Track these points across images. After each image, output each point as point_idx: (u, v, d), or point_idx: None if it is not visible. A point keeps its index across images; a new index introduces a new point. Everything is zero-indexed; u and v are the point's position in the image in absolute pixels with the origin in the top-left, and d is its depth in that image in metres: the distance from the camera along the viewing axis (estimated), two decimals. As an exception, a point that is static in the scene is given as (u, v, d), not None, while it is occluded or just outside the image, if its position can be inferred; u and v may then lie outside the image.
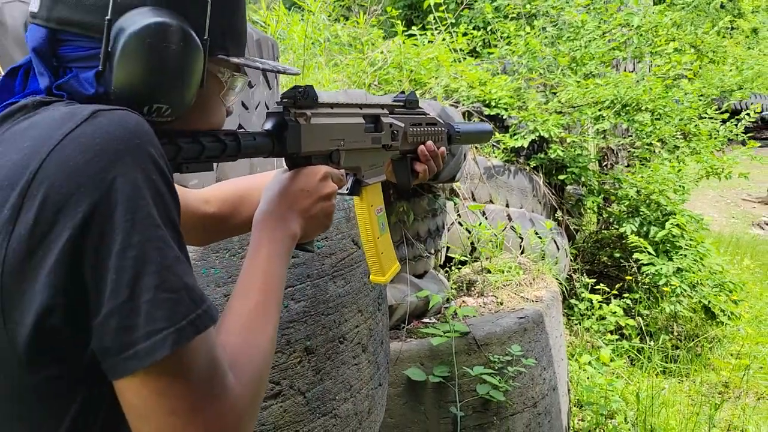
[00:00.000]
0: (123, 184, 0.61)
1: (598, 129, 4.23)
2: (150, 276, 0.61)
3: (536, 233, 3.87)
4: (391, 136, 1.13)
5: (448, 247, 3.54)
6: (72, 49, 0.72)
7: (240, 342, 0.77)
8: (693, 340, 4.26)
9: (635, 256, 4.13)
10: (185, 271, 0.65)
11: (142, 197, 0.62)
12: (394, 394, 2.78)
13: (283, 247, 0.89)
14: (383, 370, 2.09)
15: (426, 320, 3.13)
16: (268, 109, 1.64)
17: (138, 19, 0.69)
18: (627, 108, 4.07)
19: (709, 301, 4.03)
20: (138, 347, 0.60)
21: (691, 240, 4.18)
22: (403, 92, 1.25)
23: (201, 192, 1.12)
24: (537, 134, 3.93)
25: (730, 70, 5.47)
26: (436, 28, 4.58)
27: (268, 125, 0.90)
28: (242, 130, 0.86)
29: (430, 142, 1.24)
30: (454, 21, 4.67)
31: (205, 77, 0.76)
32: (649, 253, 4.03)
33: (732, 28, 15.87)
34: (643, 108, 4.08)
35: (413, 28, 4.28)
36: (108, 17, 0.69)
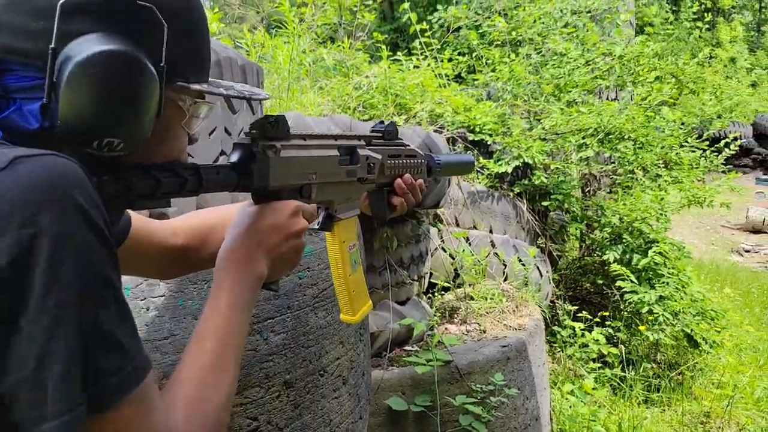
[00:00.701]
0: (43, 241, 0.56)
1: (581, 156, 4.24)
2: (62, 347, 0.56)
3: (520, 260, 3.85)
4: (367, 168, 1.09)
5: (431, 273, 3.51)
6: (15, 79, 0.67)
7: (193, 396, 0.72)
8: (675, 369, 4.24)
9: (618, 283, 4.13)
10: (117, 329, 0.61)
11: (65, 257, 0.57)
12: (375, 424, 2.73)
13: (248, 290, 0.84)
14: (364, 402, 2.04)
15: (408, 348, 3.09)
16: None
17: (85, 47, 0.64)
18: (610, 136, 4.10)
19: (692, 330, 4.03)
20: (47, 425, 0.55)
21: (673, 268, 4.19)
22: (382, 122, 1.21)
23: (169, 223, 1.06)
24: (521, 160, 3.94)
25: (710, 99, 5.55)
26: (421, 53, 4.60)
27: (234, 157, 0.84)
28: (206, 163, 0.81)
29: (407, 176, 1.20)
30: (439, 47, 4.69)
31: (162, 106, 0.71)
32: (632, 281, 4.03)
33: (711, 57, 16.17)
34: (625, 137, 4.11)
35: (398, 53, 4.29)
36: (53, 45, 0.64)
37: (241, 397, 1.51)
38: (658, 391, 4.11)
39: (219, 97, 0.83)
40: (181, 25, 0.74)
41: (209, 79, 0.83)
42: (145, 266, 1.05)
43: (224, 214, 1.06)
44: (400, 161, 1.19)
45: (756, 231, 11.21)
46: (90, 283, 0.59)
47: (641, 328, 4.01)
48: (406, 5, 4.71)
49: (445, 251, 3.61)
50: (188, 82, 0.77)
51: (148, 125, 0.71)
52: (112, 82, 0.65)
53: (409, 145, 1.23)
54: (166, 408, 0.68)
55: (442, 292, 3.58)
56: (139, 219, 1.00)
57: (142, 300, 1.44)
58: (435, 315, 3.30)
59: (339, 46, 4.07)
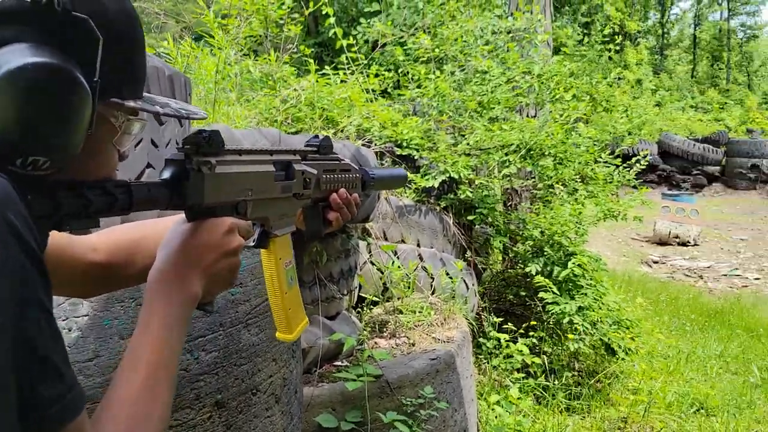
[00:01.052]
0: None
1: (504, 173, 4.36)
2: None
3: (447, 273, 3.91)
4: (303, 184, 1.07)
5: (360, 287, 3.50)
6: None
7: (127, 421, 0.68)
8: (594, 377, 4.40)
9: (540, 295, 4.25)
10: (53, 354, 0.57)
11: None
12: (305, 442, 2.68)
13: (181, 312, 0.80)
14: (296, 420, 2.00)
15: (338, 363, 3.06)
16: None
17: (11, 57, 0.59)
18: (531, 152, 4.23)
19: (609, 338, 4.19)
20: None
21: (591, 279, 4.36)
22: (317, 136, 1.20)
23: (88, 238, 0.99)
24: (447, 175, 4.00)
25: (621, 118, 5.84)
26: (348, 68, 4.61)
27: (166, 174, 0.80)
28: (136, 180, 0.77)
29: (342, 190, 1.19)
30: (366, 62, 4.73)
31: (93, 123, 0.67)
32: (554, 293, 4.16)
33: (619, 78, 17.06)
34: (546, 153, 4.26)
35: (326, 67, 4.29)
36: None
37: (171, 420, 1.45)
38: (579, 398, 4.25)
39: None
40: (117, 37, 0.70)
41: (143, 94, 0.79)
42: (65, 285, 0.97)
43: (150, 229, 1.01)
44: (336, 176, 1.18)
45: (663, 243, 11.85)
46: (24, 310, 0.55)
47: (570, 337, 4.15)
48: (332, 20, 4.71)
49: (373, 265, 3.61)
50: (122, 98, 0.73)
51: (78, 143, 0.66)
52: (41, 98, 0.61)
53: (343, 160, 1.22)
54: None
55: (371, 306, 3.57)
56: (56, 234, 0.94)
57: (64, 320, 1.36)
58: (364, 329, 3.29)
59: (266, 58, 4.03)
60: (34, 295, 0.56)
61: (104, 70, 0.67)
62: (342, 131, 3.86)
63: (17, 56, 0.60)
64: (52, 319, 0.59)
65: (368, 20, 5.50)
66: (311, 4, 4.67)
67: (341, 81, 4.37)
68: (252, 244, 0.98)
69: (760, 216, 15.80)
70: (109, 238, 0.98)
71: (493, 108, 4.62)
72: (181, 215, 0.87)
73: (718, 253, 11.39)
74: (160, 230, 0.97)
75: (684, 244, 11.74)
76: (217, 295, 0.89)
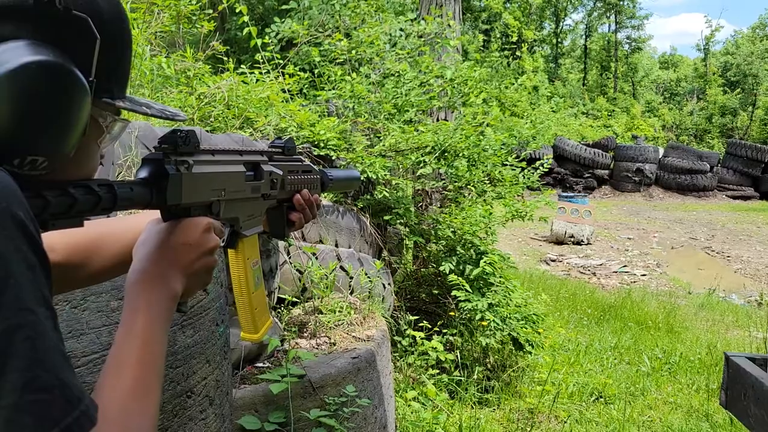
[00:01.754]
0: None
1: (420, 173, 4.46)
2: (16, 374, 0.51)
3: (366, 274, 3.95)
4: (270, 184, 1.09)
5: (279, 288, 3.48)
6: None
7: (119, 426, 0.68)
8: (503, 371, 4.59)
9: (453, 293, 4.39)
10: (59, 362, 0.56)
11: (8, 275, 0.52)
12: (228, 445, 2.64)
13: (165, 309, 0.80)
14: (228, 422, 1.99)
15: (260, 365, 3.04)
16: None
17: (12, 55, 0.58)
18: (446, 154, 4.36)
19: (518, 333, 4.39)
20: None
21: (501, 277, 4.54)
22: (280, 137, 1.21)
23: (46, 237, 0.98)
24: (365, 176, 4.05)
25: (526, 124, 6.11)
26: (263, 67, 4.57)
27: (144, 173, 0.80)
28: (118, 180, 0.77)
29: (306, 191, 1.21)
30: (282, 62, 4.70)
31: (89, 123, 0.67)
32: (466, 290, 4.31)
33: (519, 85, 17.74)
34: (460, 154, 4.40)
35: (242, 66, 4.23)
36: None
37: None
38: (488, 392, 4.43)
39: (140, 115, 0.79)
40: (110, 37, 0.70)
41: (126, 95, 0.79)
42: None
43: (108, 229, 0.99)
44: (299, 177, 1.20)
45: (559, 242, 12.48)
46: (36, 305, 0.54)
47: (479, 329, 4.30)
48: (246, 18, 4.65)
49: (292, 266, 3.60)
50: (112, 98, 0.74)
51: (75, 143, 0.66)
52: (42, 97, 0.60)
53: (305, 161, 1.24)
54: None
55: (290, 307, 3.56)
56: None
57: None
58: (285, 330, 3.28)
59: (181, 55, 3.92)
60: (41, 292, 0.55)
61: (98, 70, 0.67)
62: (257, 131, 3.82)
63: (17, 54, 0.59)
64: (55, 320, 0.58)
65: (282, 19, 5.46)
66: (223, 0, 4.59)
67: (257, 80, 4.33)
68: (222, 244, 0.98)
69: (644, 216, 16.97)
70: (67, 237, 0.95)
71: (408, 110, 4.71)
72: (147, 215, 0.86)
73: (608, 251, 12.13)
74: (119, 229, 0.96)
75: (579, 243, 12.42)
76: (192, 295, 0.89)
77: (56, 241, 0.96)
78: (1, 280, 0.51)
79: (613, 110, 32.48)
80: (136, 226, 0.94)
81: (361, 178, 1.60)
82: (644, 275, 10.17)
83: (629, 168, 21.46)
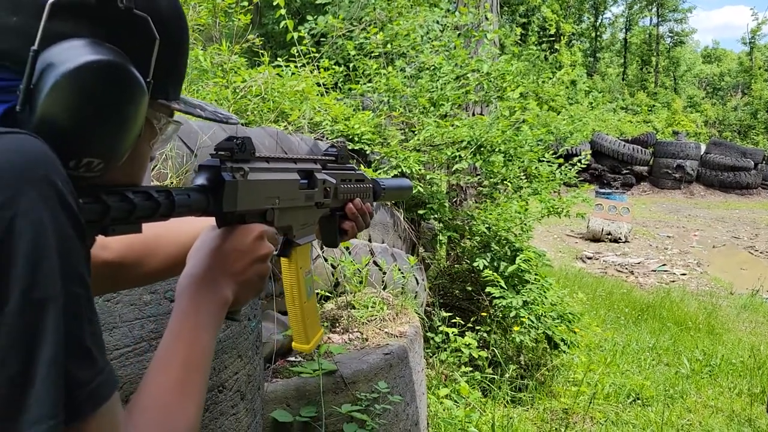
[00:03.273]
0: (24, 226, 0.50)
1: (456, 168, 4.41)
2: (48, 347, 0.51)
3: (399, 269, 3.93)
4: (323, 193, 1.07)
5: (312, 283, 3.47)
6: None
7: (158, 422, 0.68)
8: (538, 369, 4.52)
9: (487, 289, 4.33)
10: (88, 335, 0.56)
11: (47, 245, 0.51)
12: (260, 439, 2.65)
13: (214, 315, 0.79)
14: (259, 417, 1.98)
15: (292, 359, 3.04)
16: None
17: (73, 54, 0.57)
18: (482, 149, 4.30)
19: (552, 332, 4.31)
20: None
21: (536, 275, 4.47)
22: (333, 146, 1.21)
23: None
24: (399, 170, 4.02)
25: (564, 120, 6.00)
26: (298, 61, 4.56)
27: (202, 180, 0.80)
28: (175, 186, 0.76)
29: (358, 200, 1.19)
30: (317, 55, 4.68)
31: (144, 125, 0.66)
32: (501, 287, 4.25)
33: (556, 79, 17.48)
34: (496, 149, 4.33)
35: (278, 59, 4.23)
36: (35, 47, 0.57)
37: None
38: (521, 390, 4.36)
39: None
40: (168, 37, 0.69)
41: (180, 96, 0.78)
42: None
43: (163, 230, 0.97)
44: (351, 185, 1.18)
45: (596, 240, 12.27)
46: (69, 282, 0.53)
47: (515, 328, 4.24)
48: (283, 11, 4.65)
49: (326, 260, 3.59)
50: (168, 99, 0.72)
51: (130, 145, 0.65)
52: (102, 97, 0.59)
53: (358, 169, 1.22)
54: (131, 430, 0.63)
55: (323, 302, 3.56)
56: None
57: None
58: (317, 324, 3.28)
59: (216, 48, 3.94)
60: (78, 267, 0.55)
61: (156, 71, 0.66)
62: (291, 124, 3.82)
63: (78, 53, 0.57)
64: (91, 295, 0.57)
65: (314, 16, 5.44)
66: (260, -7, 4.60)
67: (292, 74, 4.32)
68: (275, 253, 0.97)
69: (684, 214, 16.59)
70: (122, 236, 0.96)
71: (443, 105, 4.66)
72: (208, 220, 0.86)
73: (647, 249, 11.89)
74: (178, 231, 0.96)
75: (616, 240, 12.19)
76: (246, 303, 0.88)
77: (111, 239, 0.96)
78: (40, 251, 0.50)
79: (654, 105, 31.81)
80: (191, 229, 0.94)
81: (413, 187, 1.57)
82: (684, 275, 9.93)
83: (669, 164, 20.99)
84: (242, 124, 3.55)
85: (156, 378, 0.72)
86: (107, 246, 0.93)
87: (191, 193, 0.76)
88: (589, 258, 10.82)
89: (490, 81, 4.95)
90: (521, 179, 5.02)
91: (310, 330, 1.07)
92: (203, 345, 0.76)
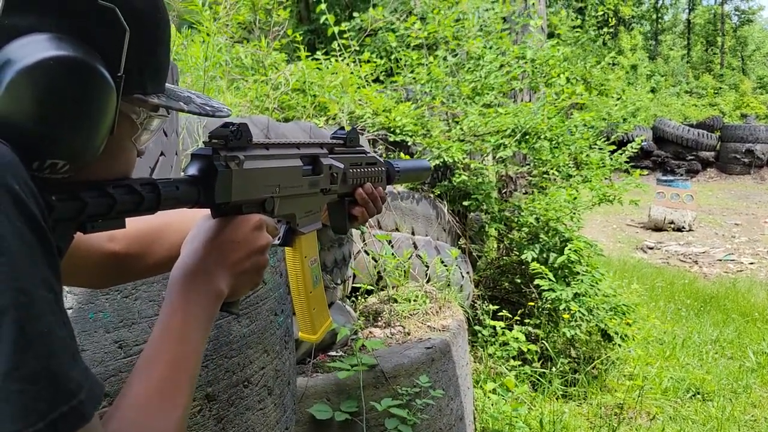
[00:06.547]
0: None
1: (500, 157, 4.32)
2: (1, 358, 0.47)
3: (442, 261, 3.87)
4: (330, 179, 1.03)
5: (354, 277, 3.46)
6: None
7: (140, 423, 0.65)
8: (589, 363, 4.39)
9: (536, 282, 4.22)
10: (54, 349, 0.51)
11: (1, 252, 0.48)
12: (300, 434, 2.65)
13: (205, 309, 0.76)
14: (290, 412, 1.97)
15: (332, 353, 3.03)
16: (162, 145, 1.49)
17: (31, 50, 0.54)
18: (527, 136, 4.19)
19: (605, 324, 4.17)
20: None
21: (587, 266, 4.33)
22: (342, 128, 1.15)
23: None
24: (441, 160, 3.95)
25: (616, 104, 5.79)
26: (340, 55, 4.55)
27: (193, 170, 0.76)
28: (162, 178, 0.73)
29: (368, 185, 1.14)
30: (358, 48, 4.66)
31: (116, 121, 0.62)
32: (550, 279, 4.13)
33: (614, 64, 16.98)
34: (542, 137, 4.22)
35: (317, 53, 4.23)
36: None
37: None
38: (575, 385, 4.24)
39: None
40: (142, 28, 0.65)
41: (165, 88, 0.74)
42: (77, 274, 0.93)
43: (169, 219, 0.96)
44: (361, 169, 1.13)
45: (658, 229, 11.84)
46: (27, 289, 0.49)
47: (563, 320, 4.12)
48: (324, 6, 4.65)
49: (367, 254, 3.57)
50: (146, 93, 0.68)
51: (100, 145, 0.62)
52: (62, 96, 0.56)
53: (369, 152, 1.17)
54: None
55: (365, 296, 3.54)
56: None
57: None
58: (359, 319, 3.26)
59: (255, 44, 3.96)
60: (36, 272, 0.51)
61: (128, 64, 0.62)
62: (334, 118, 3.81)
63: (37, 48, 0.54)
64: (59, 299, 0.54)
65: (360, 10, 5.42)
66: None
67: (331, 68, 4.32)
68: (277, 242, 0.94)
69: (754, 201, 15.84)
70: (128, 226, 0.95)
71: (487, 94, 4.56)
72: (207, 210, 0.83)
73: (712, 238, 11.40)
74: (184, 220, 0.93)
75: (679, 229, 11.74)
76: (242, 295, 0.85)
77: (117, 230, 0.95)
78: None
79: (720, 88, 30.44)
80: (197, 218, 0.91)
81: (431, 168, 1.51)
82: (752, 263, 9.47)
83: (738, 149, 20.04)
84: (282, 120, 3.56)
85: (140, 376, 0.69)
86: (114, 237, 0.91)
87: (180, 184, 0.73)
88: (651, 248, 10.45)
89: (535, 68, 4.82)
90: (570, 167, 4.87)
91: (317, 320, 1.04)
92: (192, 341, 0.73)
